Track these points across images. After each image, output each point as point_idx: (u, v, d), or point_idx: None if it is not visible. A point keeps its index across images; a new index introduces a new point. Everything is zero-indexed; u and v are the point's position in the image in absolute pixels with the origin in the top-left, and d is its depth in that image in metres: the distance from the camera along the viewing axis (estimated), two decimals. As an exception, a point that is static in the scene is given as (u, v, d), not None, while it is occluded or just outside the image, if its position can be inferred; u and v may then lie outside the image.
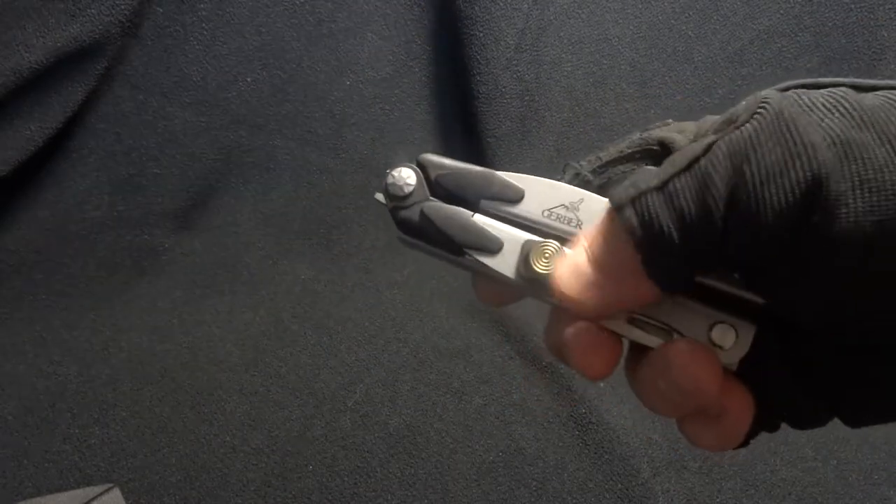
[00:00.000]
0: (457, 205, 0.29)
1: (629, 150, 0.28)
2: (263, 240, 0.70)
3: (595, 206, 0.27)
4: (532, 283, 0.27)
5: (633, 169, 0.28)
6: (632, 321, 0.27)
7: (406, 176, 0.30)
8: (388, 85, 0.73)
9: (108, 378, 0.58)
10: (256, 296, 0.66)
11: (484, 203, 0.29)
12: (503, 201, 0.29)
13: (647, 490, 0.53)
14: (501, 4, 0.71)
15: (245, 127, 0.70)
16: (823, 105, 0.22)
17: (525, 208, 0.28)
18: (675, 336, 0.26)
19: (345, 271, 0.68)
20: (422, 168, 0.30)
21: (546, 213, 0.28)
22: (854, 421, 0.26)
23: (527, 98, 0.73)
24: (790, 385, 0.26)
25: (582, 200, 0.28)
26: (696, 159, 0.22)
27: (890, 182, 0.20)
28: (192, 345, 0.61)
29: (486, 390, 0.59)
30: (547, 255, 0.27)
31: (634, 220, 0.23)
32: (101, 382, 0.58)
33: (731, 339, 0.26)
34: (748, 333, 0.26)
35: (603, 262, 0.25)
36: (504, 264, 0.28)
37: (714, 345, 0.26)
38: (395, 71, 0.73)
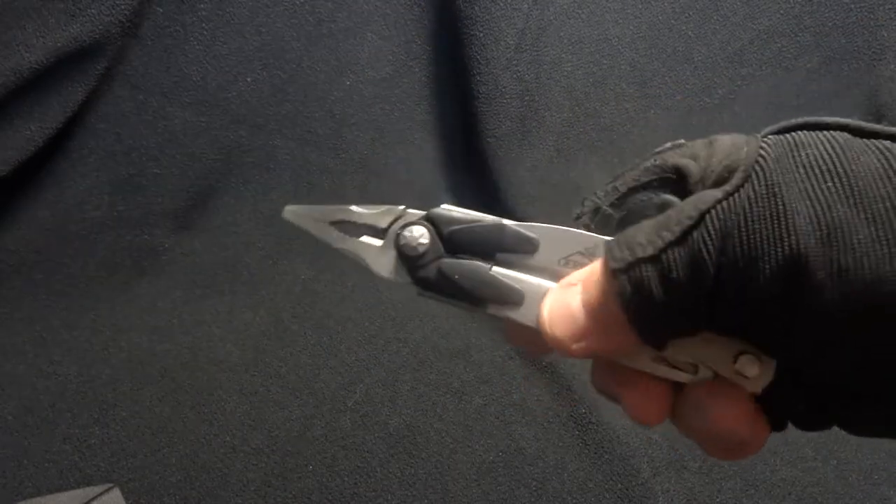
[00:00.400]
0: (472, 258, 0.29)
1: (646, 179, 0.28)
2: (263, 240, 0.70)
3: None
4: None
5: (651, 198, 0.28)
6: (657, 358, 0.27)
7: (418, 234, 0.30)
8: (388, 85, 0.73)
9: (108, 378, 0.58)
10: (256, 296, 0.66)
11: (500, 256, 0.29)
12: (519, 253, 0.29)
13: (647, 490, 0.53)
14: (501, 4, 0.71)
15: (245, 127, 0.70)
16: (818, 166, 0.22)
17: (542, 258, 0.28)
18: (701, 370, 0.26)
19: (345, 271, 0.68)
20: (432, 223, 0.30)
21: (562, 262, 0.28)
22: (856, 432, 0.26)
23: (527, 98, 0.73)
24: (801, 402, 0.26)
25: (597, 246, 0.28)
26: (690, 230, 0.23)
27: (869, 269, 0.21)
28: (192, 345, 0.61)
29: (486, 390, 0.59)
30: None
31: (627, 288, 0.24)
32: (101, 382, 0.58)
33: (756, 369, 0.26)
34: (769, 366, 0.26)
35: (595, 311, 0.25)
36: (530, 315, 0.28)
37: (740, 375, 0.26)
38: (395, 71, 0.73)
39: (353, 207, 0.32)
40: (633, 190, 0.28)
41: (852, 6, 0.75)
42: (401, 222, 0.31)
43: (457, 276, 0.29)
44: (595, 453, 0.55)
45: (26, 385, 0.57)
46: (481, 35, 0.71)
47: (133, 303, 0.64)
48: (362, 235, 0.32)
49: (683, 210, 0.24)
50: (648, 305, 0.23)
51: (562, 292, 0.27)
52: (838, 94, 0.76)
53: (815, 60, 0.76)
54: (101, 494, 0.49)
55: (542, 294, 0.28)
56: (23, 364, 0.59)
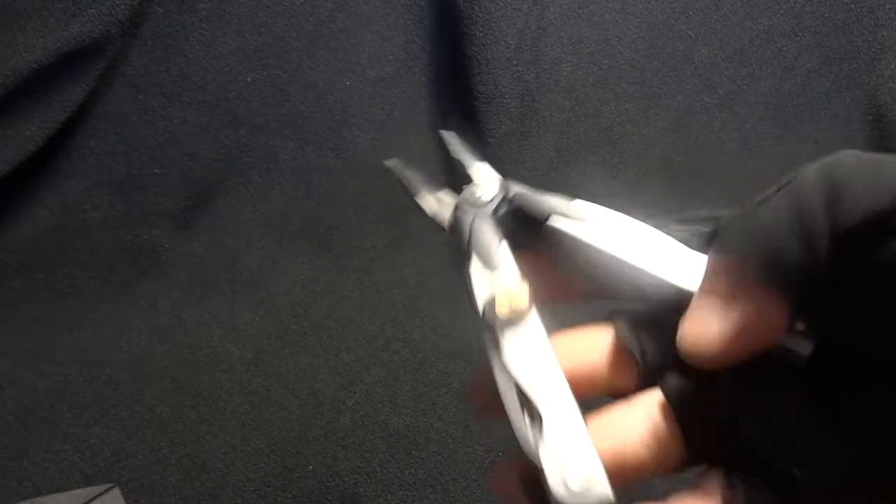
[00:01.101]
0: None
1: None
2: (263, 240, 0.70)
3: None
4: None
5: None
6: None
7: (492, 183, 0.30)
8: (388, 85, 0.73)
9: (108, 378, 0.58)
10: (256, 296, 0.66)
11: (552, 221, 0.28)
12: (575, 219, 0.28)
13: (648, 490, 0.53)
14: (501, 4, 0.71)
15: (245, 127, 0.70)
16: None
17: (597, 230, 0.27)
18: None
19: (345, 271, 0.68)
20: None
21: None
22: None
23: (527, 98, 0.73)
24: None
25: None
26: (780, 187, 0.23)
27: None
28: (192, 345, 0.61)
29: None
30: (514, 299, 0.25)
31: (739, 232, 0.23)
32: (101, 382, 0.58)
33: None
34: None
35: (713, 289, 0.23)
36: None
37: None
38: (395, 71, 0.73)
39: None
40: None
41: (852, 6, 0.75)
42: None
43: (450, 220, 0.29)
44: (595, 453, 0.55)
45: (26, 385, 0.57)
46: (481, 35, 0.71)
47: (133, 303, 0.64)
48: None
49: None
50: (766, 241, 0.22)
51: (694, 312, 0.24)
52: (838, 94, 0.75)
53: (815, 60, 0.76)
54: (101, 494, 0.49)
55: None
56: (23, 364, 0.59)
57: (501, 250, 0.27)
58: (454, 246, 0.29)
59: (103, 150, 0.67)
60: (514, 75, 0.72)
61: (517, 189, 0.29)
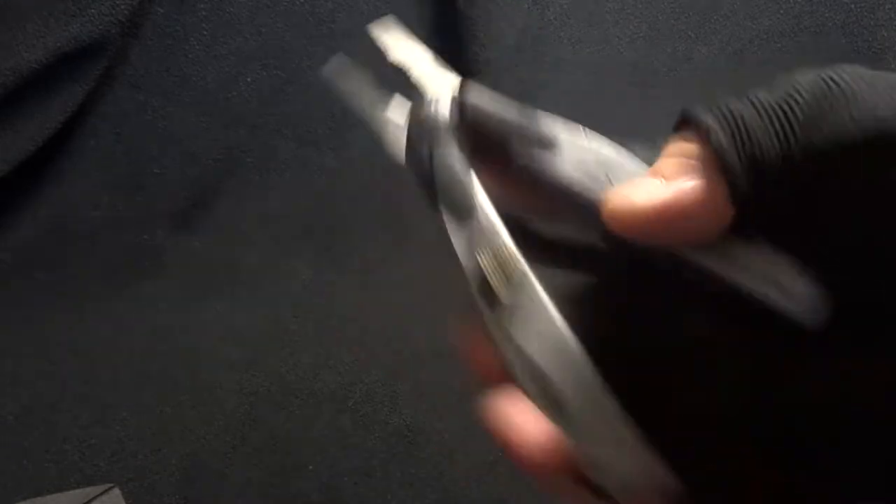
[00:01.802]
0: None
1: None
2: (263, 240, 0.70)
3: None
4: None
5: None
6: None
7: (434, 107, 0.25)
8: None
9: (108, 378, 0.58)
10: (256, 296, 0.66)
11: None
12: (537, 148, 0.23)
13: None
14: (501, 4, 0.71)
15: (245, 127, 0.70)
16: None
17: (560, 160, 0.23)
18: None
19: (345, 271, 0.68)
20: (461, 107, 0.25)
21: (581, 171, 0.23)
22: None
23: (527, 98, 0.73)
24: None
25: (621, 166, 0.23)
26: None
27: None
28: (192, 345, 0.61)
29: (486, 390, 0.59)
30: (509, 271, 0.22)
31: (709, 120, 0.21)
32: (101, 382, 0.58)
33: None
34: None
35: (673, 168, 0.21)
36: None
37: None
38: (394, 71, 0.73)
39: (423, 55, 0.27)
40: None
41: (852, 6, 0.75)
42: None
43: (436, 169, 0.24)
44: (595, 453, 0.55)
45: (26, 385, 0.57)
46: (481, 35, 0.71)
47: (133, 303, 0.64)
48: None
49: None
50: (732, 123, 0.20)
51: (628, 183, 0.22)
52: (838, 94, 0.76)
53: (815, 60, 0.76)
54: (101, 494, 0.49)
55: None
56: (23, 364, 0.59)
57: (476, 193, 0.23)
58: (416, 182, 0.25)
59: (103, 150, 0.67)
60: (514, 75, 0.72)
61: (472, 99, 0.25)
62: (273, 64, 0.70)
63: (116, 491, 0.49)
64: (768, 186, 0.20)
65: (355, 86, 0.29)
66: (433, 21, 0.74)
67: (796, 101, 0.21)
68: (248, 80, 0.69)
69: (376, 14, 0.73)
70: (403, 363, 0.61)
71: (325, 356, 0.61)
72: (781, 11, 0.75)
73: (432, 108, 0.25)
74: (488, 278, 0.22)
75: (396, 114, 0.27)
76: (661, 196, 0.20)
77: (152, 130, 0.67)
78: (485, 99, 0.25)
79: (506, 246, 0.22)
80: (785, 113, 0.20)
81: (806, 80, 0.22)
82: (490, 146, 0.24)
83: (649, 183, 0.21)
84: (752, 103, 0.21)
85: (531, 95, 0.73)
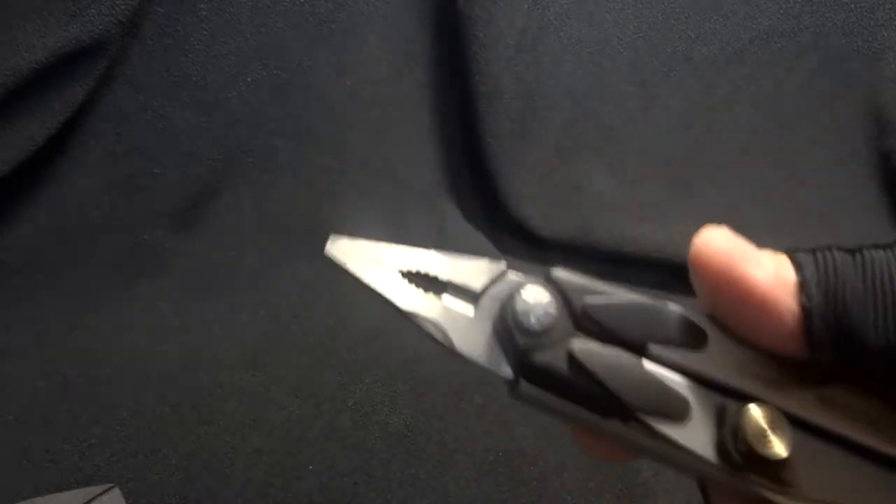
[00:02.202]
0: (612, 343, 0.21)
1: None
2: (263, 240, 0.70)
3: None
4: (742, 468, 0.19)
5: None
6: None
7: (543, 301, 0.21)
8: (388, 85, 0.73)
9: (108, 378, 0.58)
10: (256, 296, 0.66)
11: (653, 348, 0.21)
12: (680, 346, 0.21)
13: (647, 490, 0.53)
14: (501, 4, 0.71)
15: (245, 127, 0.70)
16: None
17: (711, 359, 0.20)
18: None
19: (345, 271, 0.68)
20: (558, 288, 0.22)
21: (741, 365, 0.20)
22: None
23: (527, 98, 0.73)
24: None
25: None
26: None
27: None
28: (192, 345, 0.61)
29: (486, 390, 0.59)
30: (770, 424, 0.19)
31: (808, 262, 0.20)
32: (101, 382, 0.58)
33: None
34: None
35: (768, 259, 0.20)
36: (695, 437, 0.20)
37: None
38: (395, 71, 0.73)
39: (435, 253, 0.24)
40: None
41: (852, 6, 0.75)
42: (505, 285, 0.22)
43: (598, 367, 0.20)
44: (595, 453, 0.55)
45: (26, 385, 0.57)
46: (481, 35, 0.71)
47: (133, 303, 0.64)
48: (442, 293, 0.23)
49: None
50: (832, 296, 0.19)
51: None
52: (838, 94, 0.76)
53: (815, 60, 0.76)
54: (101, 494, 0.49)
55: (714, 406, 0.20)
56: (23, 364, 0.59)
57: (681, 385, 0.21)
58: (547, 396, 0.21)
59: (103, 150, 0.66)
60: (514, 75, 0.72)
61: (589, 296, 0.22)
62: (273, 64, 0.70)
63: (116, 491, 0.49)
64: (851, 361, 0.19)
65: (379, 272, 0.25)
66: (433, 21, 0.74)
67: None
68: (248, 80, 0.69)
69: (376, 14, 0.73)
70: (403, 363, 0.61)
71: (325, 356, 0.61)
72: (781, 11, 0.75)
73: (531, 303, 0.21)
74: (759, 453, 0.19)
75: (453, 308, 0.23)
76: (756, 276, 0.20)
77: (152, 130, 0.67)
78: (583, 277, 0.22)
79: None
80: None
81: None
82: (610, 337, 0.21)
83: (758, 254, 0.20)
84: (861, 264, 0.19)
85: (531, 95, 0.73)
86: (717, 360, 0.20)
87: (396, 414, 0.57)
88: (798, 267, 0.19)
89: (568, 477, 0.54)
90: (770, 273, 0.20)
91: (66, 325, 0.62)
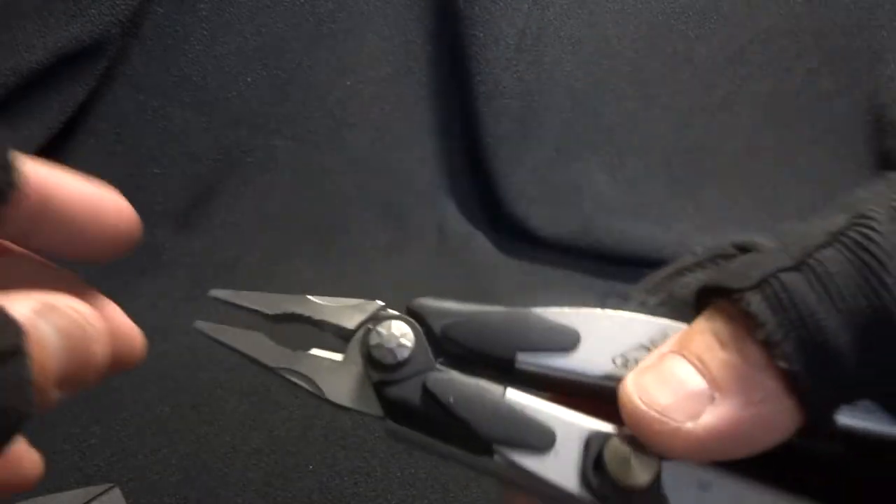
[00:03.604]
0: (477, 369, 0.20)
1: (696, 260, 0.21)
2: (263, 240, 0.70)
3: None
4: (609, 498, 0.18)
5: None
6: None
7: (399, 333, 0.21)
8: (388, 85, 0.73)
9: (108, 378, 0.58)
10: (256, 296, 0.66)
11: (522, 358, 0.20)
12: (550, 351, 0.20)
13: (647, 490, 0.53)
14: (501, 4, 0.71)
15: (245, 127, 0.70)
16: None
17: (585, 358, 0.19)
18: None
19: (345, 271, 0.68)
20: (417, 318, 0.21)
21: (619, 361, 0.19)
22: None
23: (527, 98, 0.73)
24: None
25: (667, 336, 0.19)
26: (840, 232, 0.16)
27: None
28: (192, 345, 0.61)
29: None
30: (635, 450, 0.18)
31: (765, 312, 0.16)
32: (101, 382, 0.58)
33: None
34: None
35: (723, 372, 0.16)
36: (559, 468, 0.19)
37: None
38: (395, 71, 0.73)
39: (311, 298, 0.23)
40: (680, 271, 0.21)
41: (852, 6, 0.75)
42: (372, 322, 0.22)
43: (452, 399, 0.19)
44: (595, 453, 0.55)
45: (26, 385, 0.57)
46: (481, 35, 0.71)
47: (133, 303, 0.64)
48: (312, 348, 0.23)
49: (813, 225, 0.17)
50: (810, 330, 0.15)
51: (650, 367, 0.18)
52: (838, 94, 0.76)
53: (815, 60, 0.76)
54: (101, 494, 0.49)
55: (580, 436, 0.19)
56: (23, 364, 0.59)
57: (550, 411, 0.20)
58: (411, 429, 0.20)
59: (103, 150, 0.66)
60: (514, 75, 0.72)
61: (441, 317, 0.21)
62: (273, 64, 0.70)
63: (116, 491, 0.49)
64: (847, 396, 0.16)
65: (245, 336, 0.23)
66: (433, 21, 0.74)
67: (886, 284, 0.15)
68: (248, 80, 0.69)
69: (376, 14, 0.73)
70: (403, 363, 0.60)
71: (325, 356, 0.61)
72: (781, 11, 0.75)
73: (385, 335, 0.21)
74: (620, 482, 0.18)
75: (321, 356, 0.23)
76: (716, 423, 0.16)
77: (152, 130, 0.67)
78: (441, 302, 0.21)
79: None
80: (875, 312, 0.15)
81: (891, 233, 0.16)
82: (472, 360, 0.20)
83: (691, 383, 0.17)
84: (819, 281, 0.16)
85: (531, 95, 0.73)
86: (591, 357, 0.19)
87: (396, 414, 0.57)
88: (759, 325, 0.16)
89: (568, 477, 0.54)
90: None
91: (66, 325, 0.62)
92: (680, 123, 0.75)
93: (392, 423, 0.21)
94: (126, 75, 0.66)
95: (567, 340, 0.19)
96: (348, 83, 0.72)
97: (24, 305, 0.18)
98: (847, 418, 0.17)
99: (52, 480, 0.52)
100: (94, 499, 0.49)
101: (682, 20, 0.75)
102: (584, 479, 0.18)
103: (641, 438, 0.18)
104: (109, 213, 0.23)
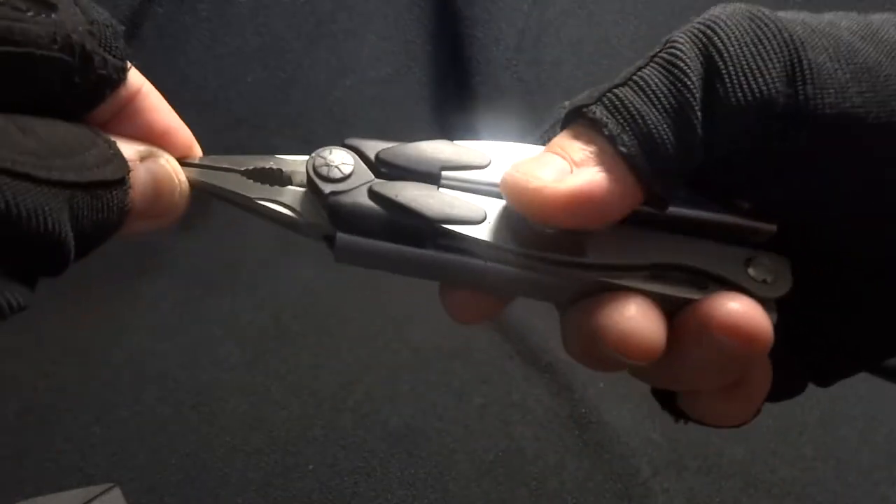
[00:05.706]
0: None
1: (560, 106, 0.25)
2: (263, 240, 0.70)
3: None
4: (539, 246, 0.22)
5: None
6: (654, 276, 0.22)
7: (339, 158, 0.25)
8: (388, 85, 0.74)
9: (108, 378, 0.58)
10: (257, 296, 0.66)
11: (446, 174, 0.24)
12: (469, 168, 0.24)
13: (647, 490, 0.53)
14: (501, 4, 0.71)
15: (245, 127, 0.70)
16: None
17: (498, 173, 0.23)
18: (711, 286, 0.22)
19: (345, 271, 0.68)
20: (353, 150, 0.25)
21: None
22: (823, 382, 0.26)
23: (527, 98, 0.73)
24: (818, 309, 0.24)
25: None
26: (656, 53, 0.22)
27: (862, 60, 0.21)
28: (192, 345, 0.61)
29: (486, 390, 0.59)
30: None
31: (606, 116, 0.21)
32: (101, 382, 0.58)
33: (773, 274, 0.22)
34: (785, 266, 0.23)
35: (580, 154, 0.22)
36: (496, 233, 0.23)
37: (755, 282, 0.22)
38: (395, 71, 0.74)
39: (279, 156, 0.27)
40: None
41: (852, 7, 0.75)
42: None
43: (396, 195, 0.23)
44: (595, 453, 0.55)
45: (26, 385, 0.57)
46: (481, 35, 0.71)
47: (133, 303, 0.64)
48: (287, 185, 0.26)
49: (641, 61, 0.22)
50: (635, 128, 0.21)
51: (528, 159, 0.23)
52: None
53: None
54: (101, 494, 0.49)
55: (506, 211, 0.23)
56: (23, 364, 0.59)
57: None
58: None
59: (103, 150, 0.66)
60: (514, 75, 0.72)
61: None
62: (273, 64, 0.70)
63: (117, 491, 0.49)
64: (677, 178, 0.22)
65: (229, 177, 0.27)
66: (433, 21, 0.74)
67: (687, 86, 0.21)
68: (248, 80, 0.69)
69: (376, 14, 0.73)
70: (403, 363, 0.61)
71: (325, 356, 0.61)
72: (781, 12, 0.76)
73: (329, 157, 0.25)
74: None
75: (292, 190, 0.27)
76: (574, 183, 0.21)
77: (152, 130, 0.67)
78: (372, 140, 0.26)
79: None
80: (681, 106, 0.21)
81: (689, 51, 0.22)
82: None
83: (556, 163, 0.22)
84: (641, 90, 0.21)
85: (531, 95, 0.73)
86: (502, 172, 0.23)
87: (396, 414, 0.57)
88: (601, 125, 0.21)
89: (567, 477, 0.54)
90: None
91: (67, 325, 0.62)
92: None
93: (344, 235, 0.24)
94: (126, 75, 0.66)
95: (482, 160, 0.24)
96: (348, 83, 0.72)
97: (131, 149, 0.23)
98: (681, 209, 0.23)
99: (52, 480, 0.52)
100: (94, 499, 0.49)
101: (682, 20, 0.75)
102: (517, 235, 0.23)
103: (514, 202, 0.22)
104: (179, 137, 0.26)
